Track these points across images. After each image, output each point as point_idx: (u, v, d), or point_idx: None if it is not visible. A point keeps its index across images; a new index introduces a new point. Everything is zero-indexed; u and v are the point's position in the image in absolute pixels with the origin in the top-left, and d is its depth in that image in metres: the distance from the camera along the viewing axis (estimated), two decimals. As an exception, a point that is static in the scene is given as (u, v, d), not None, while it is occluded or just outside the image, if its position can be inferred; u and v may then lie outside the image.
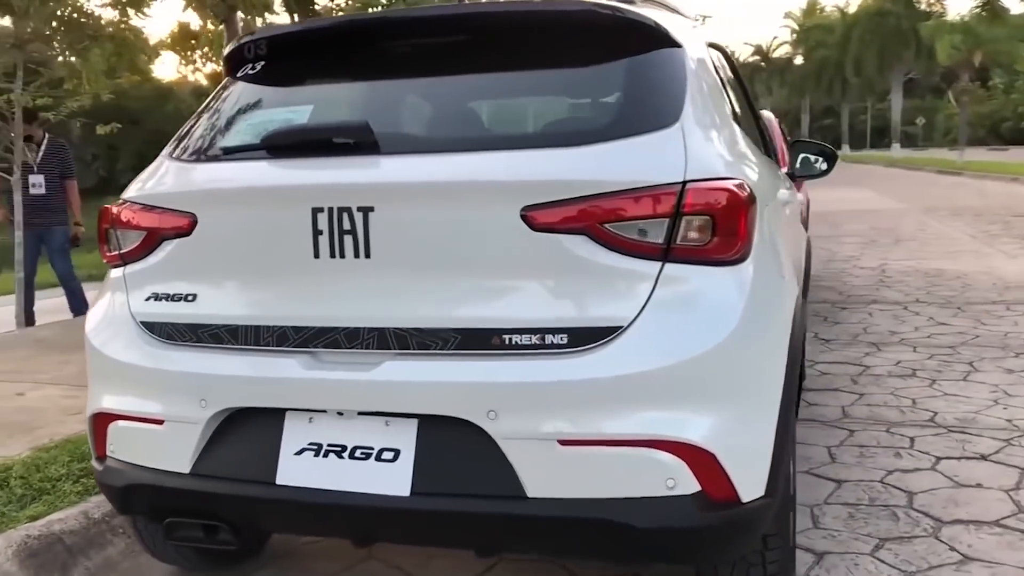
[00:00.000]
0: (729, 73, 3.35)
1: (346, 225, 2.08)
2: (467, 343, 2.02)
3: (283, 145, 2.26)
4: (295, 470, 2.12)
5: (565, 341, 1.98)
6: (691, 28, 2.70)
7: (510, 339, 1.99)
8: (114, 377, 2.35)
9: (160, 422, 2.25)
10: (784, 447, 2.14)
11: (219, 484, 2.19)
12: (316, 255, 2.11)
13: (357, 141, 2.16)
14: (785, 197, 3.48)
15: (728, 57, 3.44)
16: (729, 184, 2.05)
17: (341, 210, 2.08)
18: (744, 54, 76.51)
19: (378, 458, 2.06)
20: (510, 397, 1.97)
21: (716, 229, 2.02)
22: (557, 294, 2.00)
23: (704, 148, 2.14)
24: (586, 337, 1.97)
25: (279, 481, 2.12)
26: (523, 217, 1.98)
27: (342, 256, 2.09)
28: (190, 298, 2.27)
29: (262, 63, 2.56)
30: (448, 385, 2.01)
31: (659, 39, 2.31)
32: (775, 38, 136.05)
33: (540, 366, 1.97)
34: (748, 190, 2.11)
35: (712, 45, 3.23)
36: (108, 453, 2.38)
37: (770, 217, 2.45)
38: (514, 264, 2.02)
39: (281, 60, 2.56)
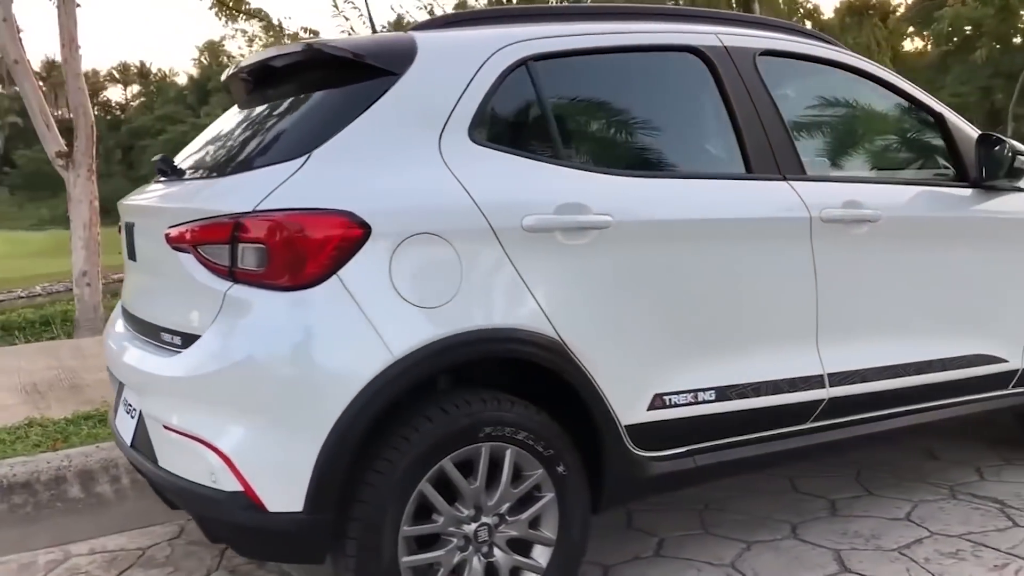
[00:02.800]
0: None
1: (130, 236, 2.75)
2: (155, 336, 2.54)
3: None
4: (118, 417, 2.87)
5: (179, 343, 2.37)
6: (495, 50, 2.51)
7: (163, 336, 2.47)
8: None
9: None
10: (337, 470, 2.16)
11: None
12: (128, 257, 2.82)
13: (162, 169, 2.80)
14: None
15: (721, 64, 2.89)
16: (284, 216, 2.17)
17: (129, 224, 2.76)
18: None
19: (132, 416, 2.69)
20: (144, 383, 2.47)
21: (269, 257, 2.17)
22: (181, 301, 2.40)
23: (315, 181, 2.24)
24: (185, 341, 2.34)
25: (113, 422, 2.90)
26: (165, 236, 2.41)
27: (133, 259, 2.78)
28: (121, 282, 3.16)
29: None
30: (131, 368, 2.58)
31: (350, 71, 2.43)
32: None
33: (159, 361, 2.41)
34: (337, 224, 2.18)
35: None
36: None
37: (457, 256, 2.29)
38: (168, 274, 2.46)
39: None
